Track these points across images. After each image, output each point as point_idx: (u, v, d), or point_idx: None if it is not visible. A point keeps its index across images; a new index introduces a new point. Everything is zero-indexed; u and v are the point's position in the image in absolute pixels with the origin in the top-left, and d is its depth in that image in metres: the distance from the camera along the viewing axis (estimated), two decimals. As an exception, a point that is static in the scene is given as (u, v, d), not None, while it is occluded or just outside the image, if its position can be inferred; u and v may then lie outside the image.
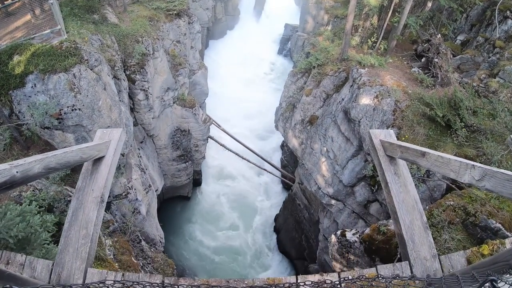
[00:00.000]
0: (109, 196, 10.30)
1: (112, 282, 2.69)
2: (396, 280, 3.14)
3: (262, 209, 19.18)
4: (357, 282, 3.08)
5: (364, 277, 3.15)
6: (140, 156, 12.76)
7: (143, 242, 11.64)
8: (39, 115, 8.02)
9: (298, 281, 3.09)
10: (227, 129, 19.21)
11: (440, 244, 5.89)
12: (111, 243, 9.33)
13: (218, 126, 18.91)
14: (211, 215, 18.46)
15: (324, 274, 3.09)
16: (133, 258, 10.03)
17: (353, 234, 7.74)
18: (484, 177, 2.36)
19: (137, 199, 11.34)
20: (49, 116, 8.28)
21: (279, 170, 19.16)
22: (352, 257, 7.71)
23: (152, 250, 12.33)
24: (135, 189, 11.29)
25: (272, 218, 18.82)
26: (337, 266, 8.34)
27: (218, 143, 18.00)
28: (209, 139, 17.19)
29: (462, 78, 10.63)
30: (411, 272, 3.13)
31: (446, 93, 9.41)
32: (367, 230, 7.25)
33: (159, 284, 2.79)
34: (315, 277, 3.08)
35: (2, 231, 4.00)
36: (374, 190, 10.05)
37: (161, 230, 14.31)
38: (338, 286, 2.92)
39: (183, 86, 14.11)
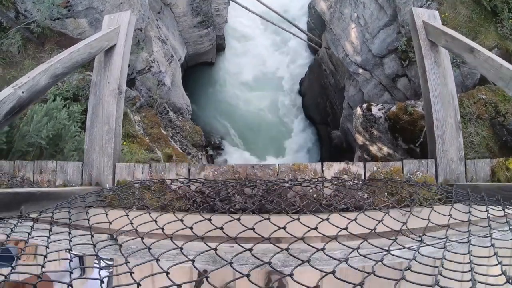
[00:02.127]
0: (132, 73, 10.28)
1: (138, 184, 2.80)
2: (421, 178, 3.12)
3: (287, 73, 18.89)
4: (381, 173, 3.10)
5: (389, 167, 3.14)
6: (159, 27, 12.20)
7: (170, 113, 11.98)
8: (46, 9, 7.50)
9: (324, 168, 3.09)
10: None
11: (464, 137, 5.74)
12: (139, 119, 9.63)
13: (240, -14, 17.40)
14: (236, 79, 18.40)
15: (349, 163, 3.06)
16: (162, 130, 10.46)
17: (379, 110, 7.62)
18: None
19: (160, 71, 11.24)
20: (57, 7, 7.75)
21: (305, 34, 18.14)
22: (375, 132, 7.73)
23: (180, 119, 12.74)
24: (157, 62, 11.11)
25: (298, 82, 18.63)
26: (359, 138, 8.46)
27: (241, 5, 16.80)
28: (231, 1, 16.07)
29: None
30: (436, 171, 3.07)
31: None
32: (394, 108, 7.08)
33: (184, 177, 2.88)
34: (341, 165, 3.07)
35: (33, 135, 4.07)
36: (405, 65, 9.50)
37: (187, 98, 14.56)
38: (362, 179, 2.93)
39: None
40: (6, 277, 1.35)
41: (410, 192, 2.87)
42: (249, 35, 19.54)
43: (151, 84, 11.00)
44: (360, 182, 2.87)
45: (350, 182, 2.83)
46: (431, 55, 3.27)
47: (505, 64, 2.41)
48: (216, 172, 2.97)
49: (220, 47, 18.19)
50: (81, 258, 3.07)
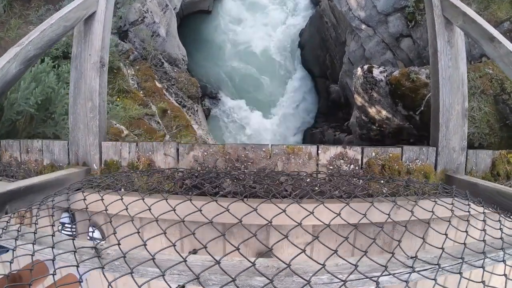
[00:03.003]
0: (124, 25, 9.80)
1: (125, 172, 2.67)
2: (420, 165, 3.00)
3: (288, 23, 18.25)
4: (379, 160, 2.98)
5: (387, 153, 3.01)
6: (152, -26, 11.47)
7: (165, 64, 11.58)
8: None
9: (319, 151, 2.96)
10: None
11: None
12: (133, 72, 9.31)
13: None
14: (234, 28, 17.79)
15: (347, 146, 2.93)
16: (156, 83, 10.16)
17: (381, 72, 7.33)
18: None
19: (154, 22, 10.72)
20: None
21: (308, -18, 17.29)
22: (375, 94, 7.51)
23: (175, 70, 12.35)
24: (151, 12, 10.57)
25: (298, 33, 18.03)
26: (358, 99, 8.25)
27: None
28: None
29: None
30: (436, 160, 2.95)
31: None
32: (396, 73, 6.80)
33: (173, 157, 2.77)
34: (337, 149, 2.94)
35: (21, 103, 3.85)
36: (410, 26, 9.05)
37: (183, 48, 14.04)
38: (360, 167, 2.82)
39: None
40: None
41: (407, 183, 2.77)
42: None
43: (145, 36, 10.53)
44: (356, 178, 2.75)
45: (346, 177, 2.71)
46: (445, 33, 3.00)
47: (529, 62, 2.18)
48: (205, 153, 2.84)
49: (218, -5, 17.37)
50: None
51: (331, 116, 15.56)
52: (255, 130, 16.27)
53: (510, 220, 2.05)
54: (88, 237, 2.97)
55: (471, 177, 2.97)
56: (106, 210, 2.02)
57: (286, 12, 18.45)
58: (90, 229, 2.97)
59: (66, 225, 2.96)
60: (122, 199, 2.09)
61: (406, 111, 6.85)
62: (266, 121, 16.42)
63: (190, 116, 10.68)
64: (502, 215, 2.04)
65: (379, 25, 10.65)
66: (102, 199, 2.11)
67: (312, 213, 1.76)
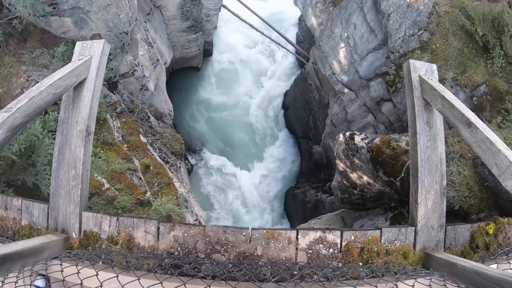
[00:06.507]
0: (115, 76, 9.98)
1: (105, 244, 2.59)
2: (399, 246, 3.01)
3: (273, 84, 18.91)
4: (357, 243, 2.97)
5: (367, 236, 3.02)
6: (147, 30, 11.90)
7: (151, 118, 11.69)
8: (30, 5, 7.25)
9: (299, 236, 2.95)
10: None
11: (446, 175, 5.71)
12: (119, 125, 9.32)
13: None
14: (221, 86, 18.29)
15: (326, 230, 2.93)
16: (141, 137, 10.17)
17: (362, 139, 7.54)
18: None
19: (144, 75, 10.96)
20: (42, 4, 7.50)
21: (294, 46, 18.10)
22: (357, 161, 7.66)
23: (161, 125, 12.46)
24: (142, 66, 10.82)
25: (282, 93, 18.63)
26: (340, 164, 8.38)
27: (232, 12, 16.61)
28: (222, 8, 15.88)
29: (512, -3, 9.01)
30: (415, 239, 2.97)
31: (492, 10, 8.02)
32: (377, 140, 7.01)
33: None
34: (317, 234, 2.94)
35: (4, 148, 3.79)
36: (391, 91, 9.48)
37: (170, 103, 14.27)
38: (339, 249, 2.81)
39: (194, -50, 12.37)
40: None
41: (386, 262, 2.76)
42: (238, 43, 19.43)
43: (134, 89, 10.71)
44: (333, 269, 2.73)
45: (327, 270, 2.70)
46: (424, 115, 3.14)
47: (504, 150, 2.29)
48: (186, 234, 2.80)
49: (207, 53, 17.97)
50: None
51: (313, 176, 15.70)
52: (237, 188, 16.26)
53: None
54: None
55: (450, 255, 2.97)
56: (81, 284, 1.99)
57: (271, 73, 19.16)
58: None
59: None
60: (97, 274, 2.04)
61: (387, 177, 6.97)
62: (248, 179, 16.46)
63: (172, 172, 10.61)
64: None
65: (361, 89, 11.10)
66: (78, 272, 2.07)
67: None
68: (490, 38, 7.86)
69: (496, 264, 2.81)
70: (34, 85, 7.45)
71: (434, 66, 3.41)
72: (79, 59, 3.10)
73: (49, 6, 7.81)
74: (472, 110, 7.61)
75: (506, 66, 7.78)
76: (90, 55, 3.19)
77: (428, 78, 3.19)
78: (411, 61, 3.42)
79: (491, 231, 3.00)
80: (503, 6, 8.14)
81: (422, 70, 3.33)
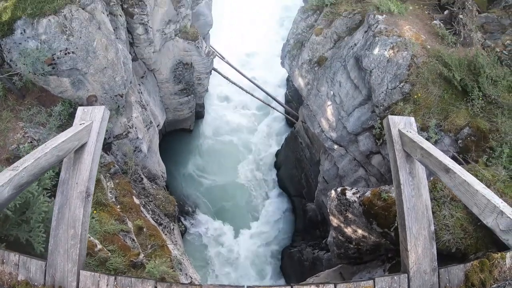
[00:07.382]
0: (109, 137, 10.21)
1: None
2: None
3: (264, 145, 19.25)
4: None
5: (360, 287, 3.05)
6: (141, 92, 12.38)
7: (144, 180, 11.76)
8: (31, 63, 7.64)
9: None
10: (232, 61, 18.42)
11: (438, 219, 5.79)
12: (112, 186, 9.38)
13: (222, 58, 18.10)
14: (213, 149, 18.54)
15: (320, 284, 2.97)
16: (134, 198, 10.19)
17: (353, 194, 7.68)
18: (511, 231, 2.08)
19: (138, 137, 11.22)
20: (42, 63, 7.90)
21: (283, 106, 18.74)
22: (350, 215, 7.73)
23: (154, 187, 12.50)
24: (135, 128, 11.11)
25: (274, 153, 18.88)
26: (334, 220, 8.43)
27: (222, 76, 17.36)
28: (213, 71, 16.61)
29: (485, 39, 9.73)
30: (408, 286, 3.02)
31: (467, 55, 8.65)
32: (368, 193, 7.16)
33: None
34: None
35: None
36: (379, 144, 9.80)
37: (163, 165, 14.42)
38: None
39: (185, 18, 13.21)
40: None
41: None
42: (229, 105, 20.05)
43: (127, 150, 10.89)
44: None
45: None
46: (406, 166, 3.32)
47: (481, 190, 2.45)
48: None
49: (199, 115, 18.47)
50: None
51: (308, 234, 15.55)
52: (232, 249, 15.99)
53: None
54: None
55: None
56: None
57: (262, 134, 19.58)
58: None
59: None
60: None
61: (381, 228, 7.02)
62: (242, 240, 16.26)
63: (166, 235, 10.51)
64: None
65: (350, 144, 11.41)
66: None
67: None
68: (468, 82, 8.30)
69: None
70: (30, 141, 7.66)
71: (412, 119, 3.64)
72: (80, 124, 3.30)
73: (49, 66, 8.18)
74: (458, 152, 7.88)
75: (486, 105, 8.16)
76: (91, 120, 3.40)
77: (407, 131, 3.41)
78: (389, 116, 3.66)
79: (486, 267, 3.05)
80: (477, 49, 8.68)
81: (401, 124, 3.56)
